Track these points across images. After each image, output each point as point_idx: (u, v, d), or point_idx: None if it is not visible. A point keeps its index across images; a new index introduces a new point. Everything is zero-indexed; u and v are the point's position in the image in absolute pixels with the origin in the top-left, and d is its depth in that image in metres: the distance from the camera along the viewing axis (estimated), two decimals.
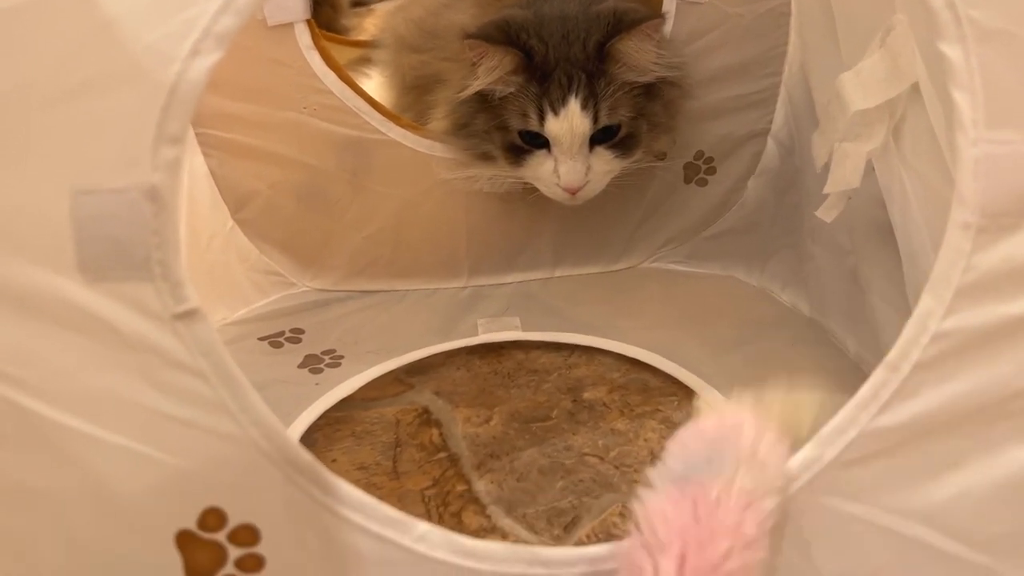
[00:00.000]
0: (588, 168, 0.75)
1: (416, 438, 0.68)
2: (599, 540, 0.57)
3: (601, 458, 0.65)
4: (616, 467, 0.64)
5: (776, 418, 0.42)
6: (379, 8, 1.45)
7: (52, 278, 0.37)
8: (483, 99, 0.76)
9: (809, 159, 0.72)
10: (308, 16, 0.78)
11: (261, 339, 0.80)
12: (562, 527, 0.59)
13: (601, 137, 0.75)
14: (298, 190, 0.84)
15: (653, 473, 0.41)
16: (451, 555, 0.41)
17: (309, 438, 0.68)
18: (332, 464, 0.64)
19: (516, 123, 0.75)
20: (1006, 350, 0.40)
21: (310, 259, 0.87)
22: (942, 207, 0.40)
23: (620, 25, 0.73)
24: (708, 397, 0.70)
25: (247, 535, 0.41)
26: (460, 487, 0.62)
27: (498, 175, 0.81)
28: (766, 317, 0.82)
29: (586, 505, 0.60)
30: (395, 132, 0.83)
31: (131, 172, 0.37)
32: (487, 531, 0.58)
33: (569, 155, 0.74)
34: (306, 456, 0.41)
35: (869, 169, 0.59)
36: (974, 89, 0.38)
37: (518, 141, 0.76)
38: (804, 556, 0.43)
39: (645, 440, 0.67)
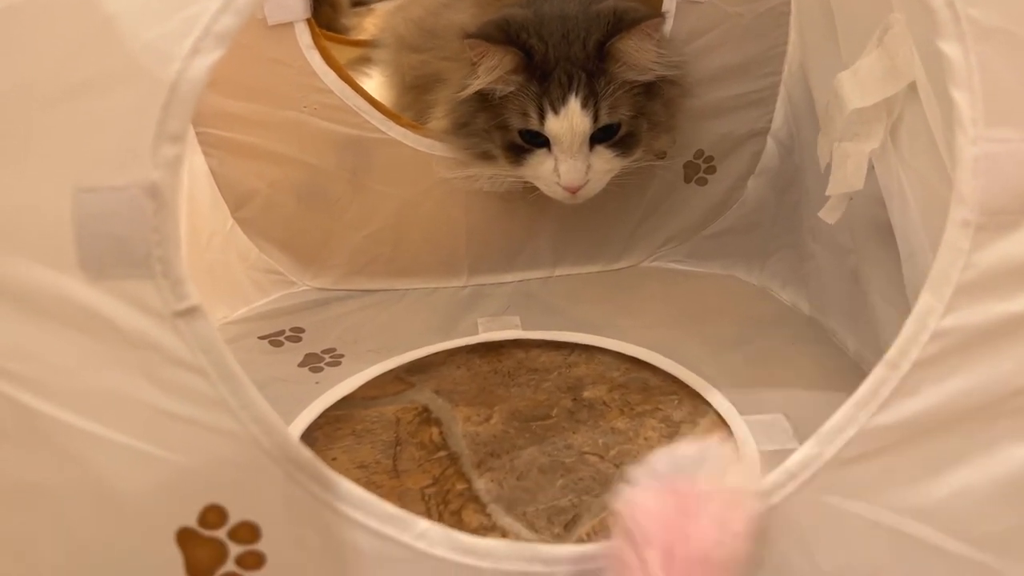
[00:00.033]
0: (588, 167, 0.75)
1: (416, 437, 0.68)
2: (599, 538, 0.57)
3: (601, 457, 0.65)
4: (616, 466, 0.64)
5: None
6: (379, 8, 1.45)
7: (53, 276, 0.38)
8: (483, 98, 0.76)
9: (809, 158, 0.72)
10: (308, 15, 0.78)
11: (261, 338, 0.80)
12: (562, 525, 0.59)
13: (601, 136, 0.75)
14: (298, 189, 0.84)
15: (637, 471, 0.41)
16: (451, 552, 0.41)
17: (309, 437, 0.68)
18: (332, 462, 0.65)
19: (516, 122, 0.75)
20: (1006, 348, 0.40)
21: (310, 258, 0.87)
22: (940, 206, 0.40)
23: (620, 24, 0.73)
24: (713, 398, 0.70)
25: (248, 532, 0.41)
26: (460, 485, 0.63)
27: (498, 174, 0.81)
28: (766, 316, 0.82)
29: (586, 504, 0.61)
30: (395, 131, 0.83)
31: (132, 170, 0.37)
32: (487, 529, 0.58)
33: (569, 154, 0.74)
34: (306, 453, 0.41)
35: (869, 168, 0.59)
36: (973, 88, 0.38)
37: (518, 140, 0.76)
38: (804, 554, 0.43)
39: (645, 439, 0.67)
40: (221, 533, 0.41)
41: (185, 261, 0.38)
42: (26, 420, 0.39)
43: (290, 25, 0.78)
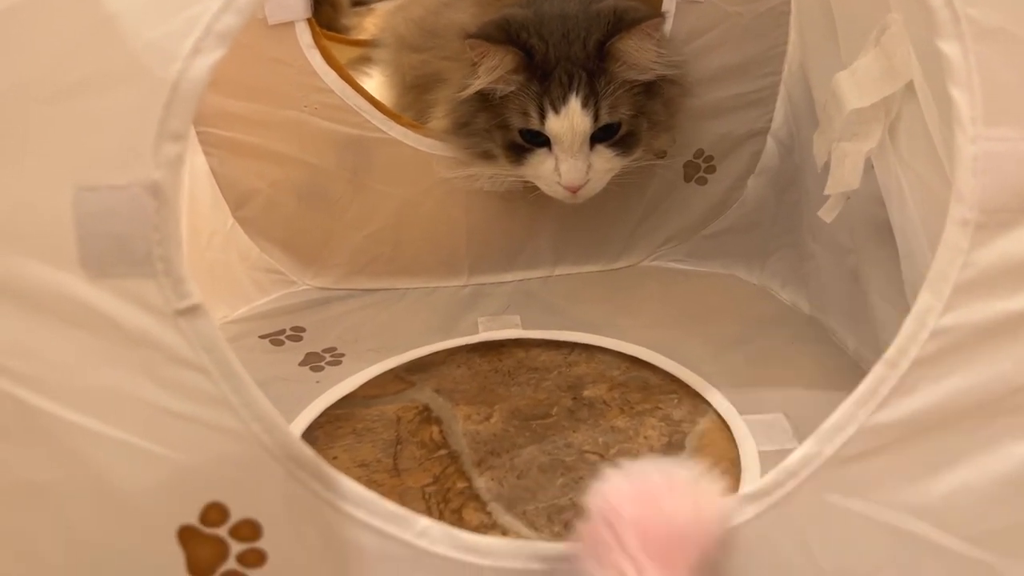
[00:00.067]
0: (589, 166, 0.75)
1: (417, 435, 0.68)
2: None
3: (601, 455, 0.65)
4: (616, 465, 0.64)
5: None
6: (379, 7, 1.45)
7: (55, 274, 0.38)
8: (484, 98, 0.76)
9: (809, 158, 0.72)
10: (309, 15, 0.79)
11: (262, 337, 0.80)
12: (562, 524, 0.59)
13: (602, 135, 0.75)
14: (299, 188, 0.84)
15: (610, 469, 0.41)
16: (452, 550, 0.42)
17: (310, 436, 0.68)
18: (333, 461, 0.64)
19: (517, 122, 0.75)
20: (1004, 346, 0.40)
21: (311, 257, 0.87)
22: (938, 205, 0.40)
23: (620, 24, 0.73)
24: (712, 397, 0.70)
25: (249, 530, 0.41)
26: (460, 484, 0.63)
27: (499, 174, 0.81)
28: (766, 315, 0.82)
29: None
30: (396, 131, 0.83)
31: (133, 169, 0.37)
32: (487, 528, 0.59)
33: (570, 153, 0.75)
34: (308, 451, 0.41)
35: (868, 167, 0.59)
36: (972, 87, 0.38)
37: (519, 140, 0.76)
38: (804, 552, 0.43)
39: (645, 438, 0.67)
40: (222, 531, 0.41)
41: (186, 260, 0.38)
42: (27, 418, 0.39)
43: (291, 24, 0.78)
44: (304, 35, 0.79)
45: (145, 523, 0.41)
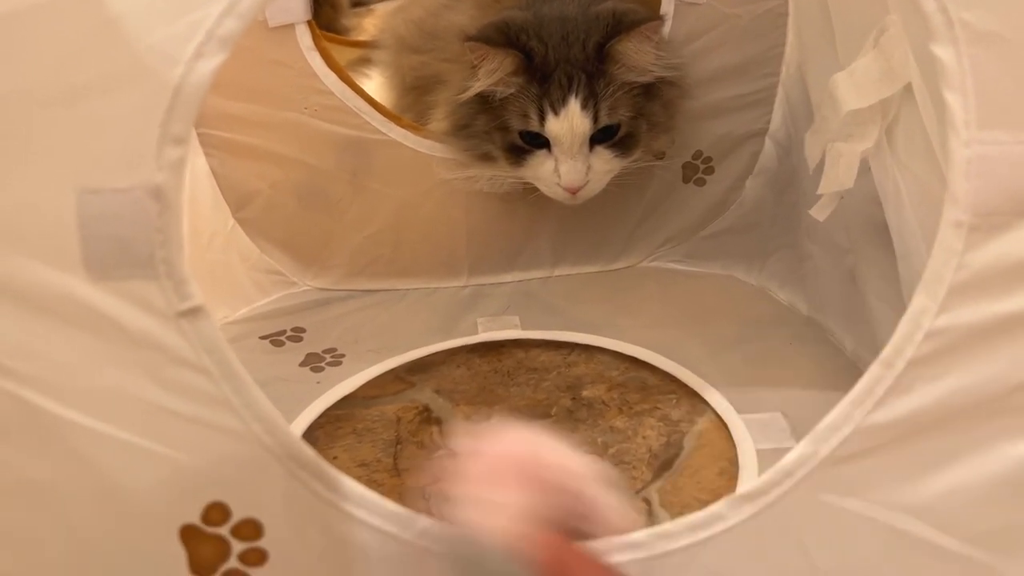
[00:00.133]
0: (588, 168, 0.76)
1: (417, 436, 0.68)
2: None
3: (600, 455, 0.66)
4: (615, 464, 0.65)
5: None
6: (379, 8, 1.45)
7: (57, 276, 0.38)
8: (483, 100, 0.76)
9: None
10: (309, 17, 0.79)
11: (263, 338, 0.80)
12: None
13: (601, 137, 0.76)
14: (299, 190, 0.84)
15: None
16: None
17: (310, 436, 0.68)
18: (333, 461, 0.65)
19: (517, 123, 0.75)
20: (999, 347, 0.40)
21: (311, 258, 0.87)
22: (936, 206, 0.40)
23: (619, 26, 0.74)
24: (711, 397, 0.71)
25: (250, 529, 0.41)
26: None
27: (498, 175, 0.81)
28: (764, 316, 0.82)
29: None
30: (395, 132, 0.83)
31: (136, 172, 0.37)
32: None
33: (569, 155, 0.75)
34: (308, 451, 0.41)
35: (865, 168, 0.59)
36: (966, 90, 0.38)
37: (519, 141, 0.76)
38: (800, 551, 0.43)
39: (644, 438, 0.67)
40: (224, 530, 0.41)
41: (187, 262, 0.39)
42: (31, 418, 0.39)
43: (291, 27, 0.79)
44: (304, 37, 0.79)
45: (147, 522, 0.41)
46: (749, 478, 0.61)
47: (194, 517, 0.41)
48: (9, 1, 0.37)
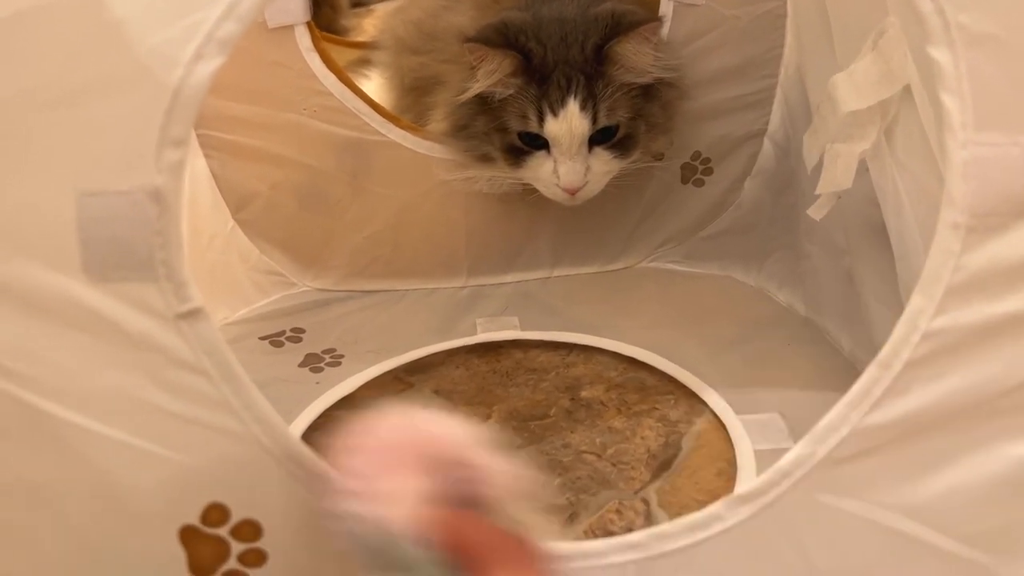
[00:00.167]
0: (587, 168, 0.76)
1: None
2: (596, 536, 0.58)
3: (598, 456, 0.66)
4: (613, 464, 0.65)
5: None
6: (379, 8, 1.45)
7: (58, 278, 0.38)
8: (482, 101, 0.76)
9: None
10: (308, 18, 0.79)
11: (262, 338, 0.80)
12: (559, 523, 0.59)
13: (600, 138, 0.76)
14: (298, 191, 0.85)
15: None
16: None
17: (309, 436, 0.68)
18: None
19: (515, 125, 0.75)
20: (995, 348, 0.40)
21: (310, 259, 0.87)
22: (934, 207, 0.40)
23: (618, 28, 0.74)
24: (709, 398, 0.71)
25: (249, 530, 0.41)
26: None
27: (497, 176, 0.81)
28: (763, 317, 0.82)
29: (583, 502, 0.61)
30: (395, 133, 0.83)
31: (135, 174, 0.38)
32: None
33: (568, 156, 0.75)
34: (308, 452, 0.41)
35: (863, 169, 0.59)
36: (963, 93, 0.38)
37: (517, 142, 0.77)
38: (798, 552, 0.43)
39: (642, 438, 0.68)
40: (223, 531, 0.41)
41: (187, 263, 0.39)
42: (31, 420, 0.39)
43: (290, 28, 0.79)
44: (304, 38, 0.79)
45: (147, 523, 0.41)
46: (747, 479, 0.61)
47: (193, 518, 0.41)
48: (10, 4, 0.37)
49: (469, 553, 0.33)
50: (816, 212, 0.65)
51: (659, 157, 0.85)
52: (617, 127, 0.76)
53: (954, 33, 0.38)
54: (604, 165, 0.77)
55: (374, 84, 0.95)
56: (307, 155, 0.83)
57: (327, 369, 0.76)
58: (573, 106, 0.73)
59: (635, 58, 0.74)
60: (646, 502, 0.61)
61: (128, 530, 0.41)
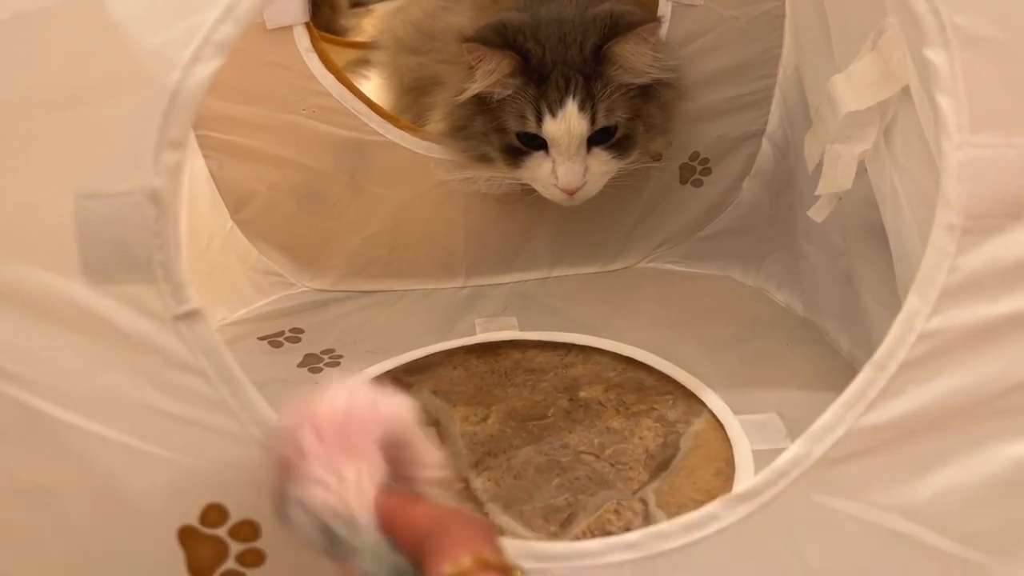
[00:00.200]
0: (586, 169, 0.76)
1: None
2: (595, 536, 0.58)
3: (597, 456, 0.66)
4: (611, 465, 0.65)
5: None
6: (378, 8, 1.45)
7: (56, 280, 0.38)
8: (481, 101, 0.76)
9: (803, 160, 0.73)
10: (307, 19, 0.79)
11: (261, 339, 0.80)
12: (558, 524, 0.59)
13: (598, 138, 0.76)
14: (297, 191, 0.85)
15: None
16: None
17: None
18: None
19: (514, 125, 0.76)
20: (990, 349, 0.40)
21: (309, 259, 0.88)
22: (932, 208, 0.41)
23: (617, 28, 0.74)
24: (708, 398, 0.71)
25: (248, 531, 0.41)
26: (458, 485, 0.63)
27: (496, 176, 0.81)
28: (761, 317, 0.83)
29: (582, 502, 0.61)
30: (393, 134, 0.83)
31: (133, 176, 0.38)
32: None
33: (567, 156, 0.75)
34: None
35: (862, 169, 0.60)
36: (958, 94, 0.38)
37: (516, 143, 0.77)
38: (793, 552, 0.43)
39: (640, 438, 0.68)
40: (222, 531, 0.41)
41: (186, 265, 0.39)
42: (30, 421, 0.39)
43: (289, 29, 0.79)
44: (302, 39, 0.79)
45: (146, 524, 0.41)
46: (745, 479, 0.62)
47: (192, 518, 0.41)
48: (8, 6, 0.37)
49: (417, 536, 0.33)
50: (817, 214, 0.65)
51: (657, 157, 0.85)
52: (615, 127, 0.76)
53: (949, 34, 0.38)
54: (602, 165, 0.77)
55: (373, 84, 0.95)
56: (306, 155, 0.83)
57: (326, 369, 0.76)
58: (571, 106, 0.73)
59: (633, 59, 0.74)
60: (644, 502, 0.61)
61: (127, 530, 0.41)
